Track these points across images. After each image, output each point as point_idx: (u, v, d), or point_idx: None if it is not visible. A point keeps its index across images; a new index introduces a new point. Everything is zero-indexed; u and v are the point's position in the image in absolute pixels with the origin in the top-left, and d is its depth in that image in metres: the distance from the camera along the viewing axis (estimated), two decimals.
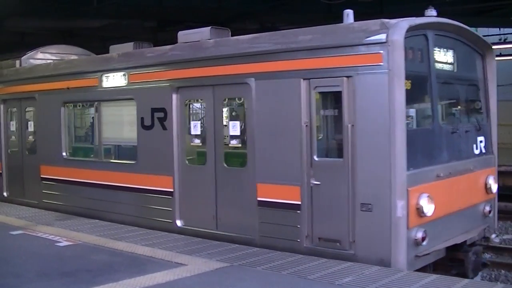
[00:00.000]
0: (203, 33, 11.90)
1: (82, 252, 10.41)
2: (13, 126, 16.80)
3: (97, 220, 13.24)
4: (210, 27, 11.88)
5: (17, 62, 16.53)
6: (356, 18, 10.01)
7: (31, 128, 16.12)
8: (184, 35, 12.31)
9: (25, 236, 11.91)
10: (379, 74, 9.08)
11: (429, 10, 10.11)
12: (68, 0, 20.90)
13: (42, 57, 16.68)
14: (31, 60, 16.52)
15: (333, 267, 8.96)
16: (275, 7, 23.34)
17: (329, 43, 9.71)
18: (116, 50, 13.83)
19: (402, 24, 9.15)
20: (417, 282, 8.11)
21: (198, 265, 9.27)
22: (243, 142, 11.15)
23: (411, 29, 9.20)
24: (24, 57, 16.56)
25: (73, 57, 16.59)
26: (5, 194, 16.70)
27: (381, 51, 9.06)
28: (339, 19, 10.28)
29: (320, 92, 9.90)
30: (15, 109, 16.70)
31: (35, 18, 22.26)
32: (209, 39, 11.69)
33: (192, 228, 11.61)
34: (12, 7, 19.56)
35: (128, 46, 13.60)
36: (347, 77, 9.39)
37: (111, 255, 10.15)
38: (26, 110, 16.29)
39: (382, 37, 9.06)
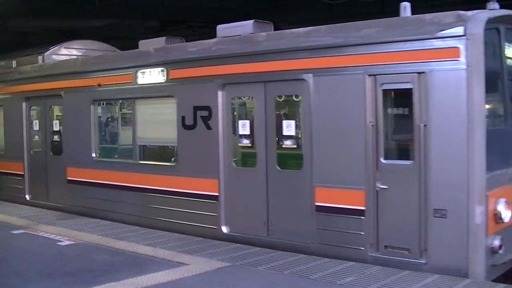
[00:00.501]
0: (245, 27, 11.27)
1: (83, 252, 10.41)
2: (36, 125, 15.91)
3: (98, 220, 13.24)
4: (253, 20, 11.23)
5: (40, 58, 15.76)
6: (357, 18, 9.94)
7: (56, 127, 15.33)
8: (224, 29, 11.63)
9: (26, 235, 11.92)
10: (457, 70, 8.45)
11: (491, 3, 9.20)
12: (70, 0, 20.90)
13: (66, 52, 16.00)
14: (54, 56, 15.83)
15: (334, 267, 8.95)
16: (276, 7, 23.33)
17: (397, 36, 9.03)
18: (147, 45, 13.14)
19: (481, 16, 8.57)
20: (419, 282, 8.10)
21: (200, 264, 9.27)
22: (299, 142, 10.47)
23: (488, 21, 8.57)
24: (47, 52, 15.85)
25: (98, 52, 15.67)
26: (27, 197, 15.95)
27: (459, 45, 8.43)
28: (340, 18, 10.25)
29: (386, 89, 9.21)
30: (38, 107, 15.92)
31: (37, 17, 22.28)
32: (252, 33, 11.07)
33: (239, 234, 10.89)
34: (14, 7, 19.58)
35: (160, 41, 12.94)
36: (419, 73, 8.75)
37: (112, 254, 10.16)
38: (51, 108, 15.62)
39: (459, 30, 8.43)
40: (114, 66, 13.40)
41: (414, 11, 9.59)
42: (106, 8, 20.63)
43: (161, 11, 22.14)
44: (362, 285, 8.05)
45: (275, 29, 11.56)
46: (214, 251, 10.13)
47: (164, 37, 12.95)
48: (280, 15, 23.52)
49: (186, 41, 13.03)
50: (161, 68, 12.16)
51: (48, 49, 15.93)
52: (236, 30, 11.38)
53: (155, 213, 12.29)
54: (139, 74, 12.62)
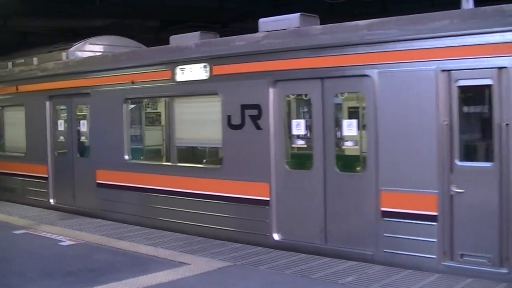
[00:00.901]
0: (290, 20, 10.62)
1: (84, 252, 10.42)
2: (61, 125, 15.05)
3: (99, 220, 13.25)
4: (299, 13, 10.66)
5: (64, 54, 15.02)
6: (358, 18, 9.89)
7: (83, 127, 14.47)
8: (267, 23, 10.93)
9: (28, 235, 11.93)
10: None
11: None
12: None
13: (91, 48, 15.26)
14: (78, 53, 15.07)
15: (336, 266, 8.96)
16: (276, 7, 23.31)
17: (473, 29, 8.32)
18: (179, 40, 12.38)
19: None
20: (420, 281, 8.10)
21: (201, 264, 9.27)
22: (361, 143, 9.83)
23: None
24: (71, 49, 15.09)
25: (123, 48, 14.74)
26: (51, 201, 15.13)
27: None
28: (341, 18, 10.20)
29: (462, 86, 8.54)
30: (64, 106, 15.07)
31: (38, 17, 22.26)
32: (298, 27, 10.45)
33: (293, 241, 10.12)
34: (14, 7, 19.57)
35: (193, 36, 12.14)
36: (499, 68, 8.11)
37: (113, 254, 10.16)
38: (78, 107, 14.80)
39: None
40: (150, 62, 12.62)
41: (415, 10, 9.55)
42: (106, 8, 20.64)
43: (161, 11, 22.15)
44: (363, 285, 8.06)
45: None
46: (216, 251, 10.14)
47: (198, 32, 12.18)
48: (280, 15, 23.55)
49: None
50: (204, 64, 11.42)
51: (72, 45, 15.22)
52: (281, 24, 10.74)
53: (194, 219, 11.60)
54: (178, 71, 11.87)
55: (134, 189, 12.86)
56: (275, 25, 10.80)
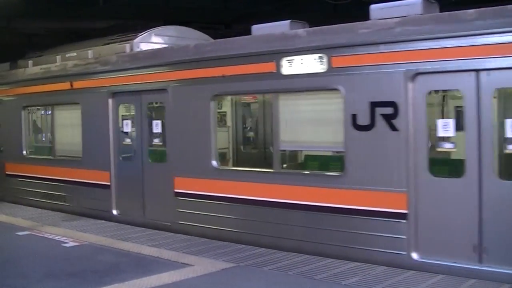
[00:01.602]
0: (410, 7, 9.31)
1: (88, 253, 10.42)
2: (127, 126, 13.54)
3: (103, 221, 13.25)
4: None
5: (127, 46, 13.47)
6: (359, 19, 9.83)
7: (157, 128, 12.72)
8: (380, 10, 9.57)
9: (31, 236, 11.93)
10: None
11: None
12: (74, 0, 20.92)
13: (157, 40, 13.76)
14: (144, 44, 13.54)
15: (339, 267, 8.95)
16: (280, 8, 23.34)
17: None
18: (264, 30, 11.12)
19: None
20: (424, 282, 8.09)
21: (205, 265, 9.27)
22: None
23: None
24: (136, 40, 13.55)
25: (191, 40, 13.15)
26: (114, 212, 13.45)
27: None
28: (344, 18, 10.17)
29: None
30: (131, 104, 13.49)
31: (41, 19, 22.29)
32: (421, 14, 9.15)
33: (436, 262, 8.62)
34: (18, 8, 19.60)
35: (282, 26, 10.86)
36: None
37: (117, 255, 10.17)
38: (150, 106, 13.21)
39: None
40: (247, 52, 10.95)
41: None
42: (110, 9, 20.64)
43: (165, 11, 22.15)
44: (366, 286, 8.05)
45: None
46: (219, 252, 10.14)
47: (288, 21, 10.88)
48: (283, 16, 23.55)
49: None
50: (319, 55, 9.84)
51: (136, 36, 13.69)
52: (398, 11, 9.39)
53: (305, 235, 10.06)
54: (285, 63, 10.30)
55: (223, 199, 11.26)
56: (390, 12, 9.42)
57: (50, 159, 15.53)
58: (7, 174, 16.87)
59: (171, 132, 12.32)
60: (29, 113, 16.79)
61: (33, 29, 24.55)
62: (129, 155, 13.49)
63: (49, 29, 24.41)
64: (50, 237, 11.76)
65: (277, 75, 10.38)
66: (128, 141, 13.64)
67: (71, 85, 14.41)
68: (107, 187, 13.46)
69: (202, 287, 8.28)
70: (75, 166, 14.45)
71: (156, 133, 12.80)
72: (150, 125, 12.89)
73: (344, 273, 8.64)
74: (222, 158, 12.57)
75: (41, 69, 15.51)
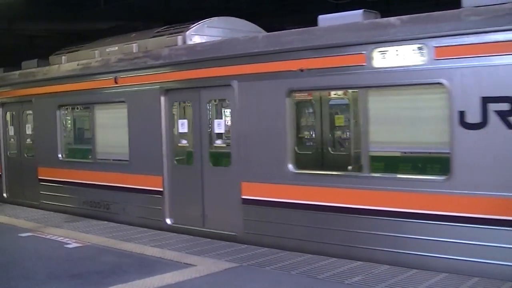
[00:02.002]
0: None
1: (91, 254, 10.42)
2: (183, 126, 12.48)
3: (105, 222, 13.25)
4: None
5: (179, 38, 12.43)
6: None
7: (219, 128, 12.07)
8: None
9: (34, 238, 11.93)
10: None
11: None
12: (75, 2, 20.98)
13: (211, 32, 12.74)
14: (197, 37, 12.52)
15: (342, 267, 8.94)
16: (281, 8, 23.34)
17: None
18: (333, 21, 10.09)
19: None
20: (426, 281, 8.07)
21: (207, 265, 9.27)
22: None
23: None
24: (188, 32, 12.50)
25: (245, 33, 12.38)
26: (168, 221, 12.35)
27: None
28: None
29: None
30: (187, 102, 12.74)
31: (43, 20, 22.35)
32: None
33: None
34: (19, 10, 19.65)
35: (354, 15, 9.87)
36: None
37: (120, 256, 10.16)
38: (211, 103, 12.26)
39: None
40: (331, 43, 9.81)
41: (419, 10, 9.46)
42: (111, 10, 20.68)
43: (166, 12, 22.18)
44: (369, 285, 8.04)
45: (280, 30, 11.36)
46: (222, 252, 10.13)
47: (360, 10, 9.91)
48: (285, 16, 23.55)
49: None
50: (419, 45, 8.86)
51: (188, 28, 12.64)
52: None
53: (401, 245, 8.99)
54: (376, 54, 9.24)
55: (300, 206, 10.14)
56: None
57: (90, 162, 14.45)
58: (40, 179, 15.82)
59: (237, 132, 11.12)
60: (65, 112, 15.89)
61: (35, 31, 24.63)
62: (185, 158, 12.65)
63: (50, 31, 24.49)
64: (53, 238, 11.76)
65: (367, 68, 9.31)
66: (184, 142, 12.84)
67: (116, 82, 13.34)
68: (158, 193, 12.37)
69: (205, 287, 8.27)
70: (121, 170, 13.42)
71: (218, 133, 12.08)
72: (211, 124, 11.90)
73: (347, 272, 8.63)
74: (301, 160, 11.53)
75: (78, 65, 14.49)
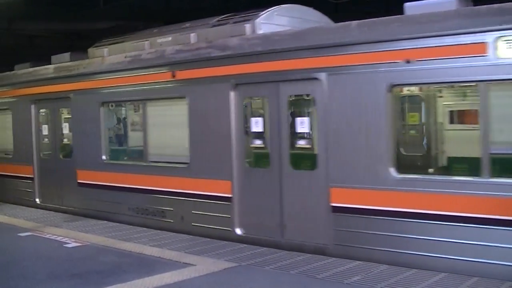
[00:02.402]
0: None
1: (90, 253, 10.42)
2: (257, 124, 11.00)
3: (105, 221, 13.24)
4: None
5: (247, 27, 11.24)
6: (361, 17, 9.73)
7: (302, 128, 10.31)
8: None
9: (33, 237, 11.94)
10: None
11: None
12: (75, 2, 20.97)
13: (280, 21, 11.48)
14: (266, 25, 11.26)
15: (341, 266, 8.94)
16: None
17: None
18: (423, 9, 8.98)
19: None
20: (426, 280, 8.07)
21: (207, 265, 9.27)
22: None
23: None
24: (258, 19, 11.29)
25: (314, 23, 11.30)
26: (237, 231, 11.01)
27: None
28: (346, 18, 10.14)
29: None
30: (262, 97, 11.11)
31: (42, 20, 22.33)
32: None
33: None
34: (18, 10, 19.63)
35: (447, 2, 8.79)
36: None
37: (119, 256, 10.17)
38: (292, 99, 10.59)
39: None
40: (444, 31, 8.52)
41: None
42: (111, 10, 20.66)
43: (166, 12, 22.17)
44: (369, 284, 8.04)
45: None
46: (221, 252, 10.13)
47: None
48: None
49: None
50: None
51: (257, 16, 11.39)
52: None
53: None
54: (501, 44, 8.02)
55: (410, 216, 8.87)
56: None
57: (141, 165, 13.00)
58: (80, 183, 14.47)
59: (325, 131, 9.82)
60: (110, 110, 14.44)
61: (34, 31, 24.60)
62: (260, 160, 11.23)
63: (50, 31, 24.46)
64: (52, 238, 11.77)
65: (487, 59, 8.14)
66: (258, 143, 11.26)
67: (173, 75, 12.00)
68: (226, 200, 11.07)
69: (205, 287, 8.26)
70: (179, 174, 12.01)
71: (300, 133, 10.48)
72: (292, 123, 10.45)
73: (346, 272, 8.63)
74: (406, 163, 10.05)
75: (126, 57, 13.21)
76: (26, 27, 23.40)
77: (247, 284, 8.40)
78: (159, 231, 12.00)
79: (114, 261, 9.80)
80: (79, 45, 22.37)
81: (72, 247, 10.94)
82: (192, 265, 9.31)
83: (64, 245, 11.09)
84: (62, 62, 15.32)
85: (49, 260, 10.09)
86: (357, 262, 9.09)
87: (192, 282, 8.42)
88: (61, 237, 11.71)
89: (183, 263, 9.48)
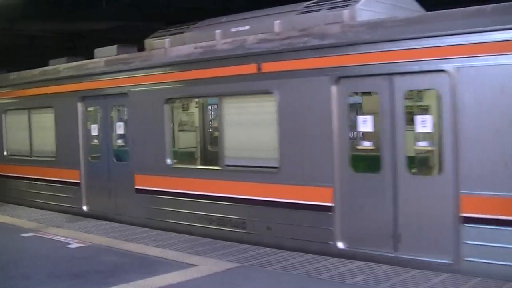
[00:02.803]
0: None
1: (92, 254, 10.43)
2: (364, 123, 9.64)
3: (107, 222, 13.25)
4: None
5: (345, 13, 9.89)
6: (443, 6, 9.19)
7: (424, 127, 8.95)
8: None
9: (36, 238, 11.94)
10: None
11: None
12: (76, 2, 20.99)
13: (377, 8, 10.23)
14: (367, 12, 9.95)
15: (344, 267, 8.94)
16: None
17: None
18: None
19: None
20: (428, 281, 8.06)
21: (209, 265, 9.27)
22: None
23: None
24: (357, 5, 9.97)
25: (410, 12, 10.26)
26: (339, 244, 9.69)
27: None
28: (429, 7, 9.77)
29: None
30: (375, 93, 9.63)
31: (43, 21, 22.35)
32: None
33: None
34: (20, 11, 19.64)
35: None
36: None
37: (121, 256, 10.17)
38: (411, 95, 9.60)
39: None
40: None
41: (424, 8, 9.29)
42: (112, 10, 20.67)
43: (167, 12, 22.19)
44: (371, 285, 8.04)
45: None
46: (223, 252, 10.13)
47: None
48: None
49: None
50: None
51: (356, 1, 10.11)
52: None
53: None
54: None
55: None
56: None
57: (214, 170, 11.66)
58: (138, 189, 12.96)
59: (455, 131, 8.45)
60: (175, 107, 13.18)
61: (36, 31, 24.63)
62: (368, 164, 9.92)
63: (51, 31, 24.48)
64: (55, 238, 11.77)
65: None
66: (367, 145, 10.27)
67: (259, 68, 10.59)
68: (326, 209, 9.75)
69: (207, 287, 8.27)
70: (266, 180, 10.61)
71: (423, 133, 9.39)
72: (412, 122, 9.27)
73: (348, 273, 8.63)
74: None
75: (196, 48, 11.86)
76: (28, 28, 23.43)
77: (250, 284, 8.40)
78: (161, 231, 11.98)
79: (117, 262, 9.80)
80: (80, 45, 22.45)
81: (75, 248, 10.94)
82: (195, 265, 9.31)
83: (67, 246, 11.09)
84: (108, 55, 14.01)
85: (51, 260, 10.09)
86: (359, 263, 9.09)
87: (194, 283, 8.42)
88: (63, 238, 11.72)
89: (186, 263, 9.47)
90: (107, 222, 13.26)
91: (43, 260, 10.11)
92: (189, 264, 9.42)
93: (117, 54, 13.78)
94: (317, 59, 9.81)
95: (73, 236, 11.86)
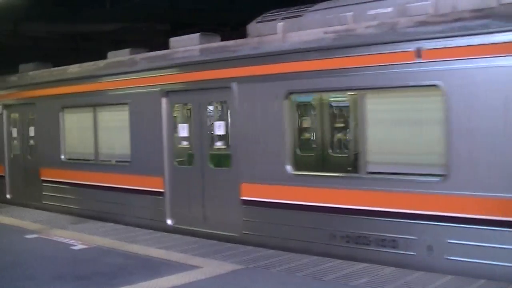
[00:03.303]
0: None
1: (97, 255, 10.43)
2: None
3: (111, 224, 13.24)
4: None
5: (429, 4, 8.59)
6: None
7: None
8: None
9: (40, 239, 11.95)
10: None
11: None
12: (81, 3, 21.02)
13: None
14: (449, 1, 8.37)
15: (348, 268, 8.92)
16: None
17: None
18: None
19: None
20: (433, 282, 8.04)
21: (213, 267, 9.26)
22: None
23: None
24: None
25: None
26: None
27: None
28: None
29: None
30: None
31: (48, 22, 22.39)
32: None
33: None
34: (24, 12, 19.68)
35: None
36: None
37: (126, 258, 10.16)
38: None
39: None
40: None
41: None
42: (117, 11, 20.69)
43: (172, 14, 22.20)
44: (375, 287, 8.02)
45: None
46: (228, 254, 10.12)
47: None
48: None
49: None
50: None
51: None
52: None
53: None
54: None
55: None
56: None
57: (353, 177, 9.55)
58: (245, 200, 10.89)
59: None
60: (299, 104, 11.52)
61: (40, 32, 24.68)
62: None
63: (55, 32, 24.52)
64: (59, 240, 11.78)
65: None
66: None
67: (419, 55, 8.50)
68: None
69: None
70: (426, 189, 8.57)
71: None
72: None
73: (352, 274, 8.61)
74: None
75: (326, 33, 9.72)
76: (31, 29, 23.47)
77: (254, 286, 8.39)
78: (165, 233, 11.97)
79: (121, 263, 9.80)
80: (84, 46, 22.47)
81: (79, 249, 10.94)
82: (199, 267, 9.30)
83: (71, 247, 11.09)
84: (190, 45, 12.13)
85: (55, 261, 10.10)
86: (364, 264, 9.07)
87: (199, 284, 8.41)
88: (67, 239, 11.72)
89: (190, 265, 9.46)
90: (111, 223, 13.24)
91: (47, 261, 10.12)
92: (193, 266, 9.41)
93: (200, 44, 11.94)
94: (504, 45, 7.76)
95: (77, 237, 11.87)
